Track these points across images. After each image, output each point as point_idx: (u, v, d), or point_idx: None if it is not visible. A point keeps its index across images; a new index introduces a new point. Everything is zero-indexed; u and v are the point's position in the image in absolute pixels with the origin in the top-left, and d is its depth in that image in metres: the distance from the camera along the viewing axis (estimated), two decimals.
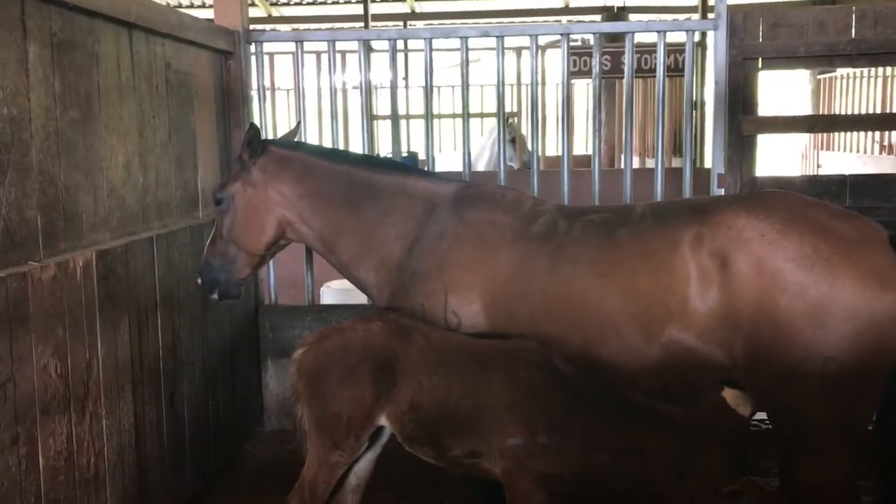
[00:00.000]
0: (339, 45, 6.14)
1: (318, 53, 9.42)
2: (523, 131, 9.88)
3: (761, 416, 3.51)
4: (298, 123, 4.36)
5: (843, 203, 5.27)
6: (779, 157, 13.15)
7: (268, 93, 9.54)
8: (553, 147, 11.13)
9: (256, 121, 5.13)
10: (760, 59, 5.15)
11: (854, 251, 2.76)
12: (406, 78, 10.93)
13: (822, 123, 6.10)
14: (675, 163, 8.56)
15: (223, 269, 3.67)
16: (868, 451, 3.00)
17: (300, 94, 5.32)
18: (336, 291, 5.98)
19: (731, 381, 3.00)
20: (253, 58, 5.18)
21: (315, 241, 3.65)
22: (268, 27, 12.56)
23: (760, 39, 5.14)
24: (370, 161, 3.88)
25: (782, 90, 13.33)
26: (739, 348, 2.85)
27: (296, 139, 4.08)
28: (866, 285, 2.70)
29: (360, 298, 5.57)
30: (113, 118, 3.63)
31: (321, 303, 5.98)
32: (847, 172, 5.44)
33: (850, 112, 10.28)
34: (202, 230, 4.34)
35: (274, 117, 9.52)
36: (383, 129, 9.29)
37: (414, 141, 10.86)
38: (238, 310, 5.11)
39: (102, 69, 3.55)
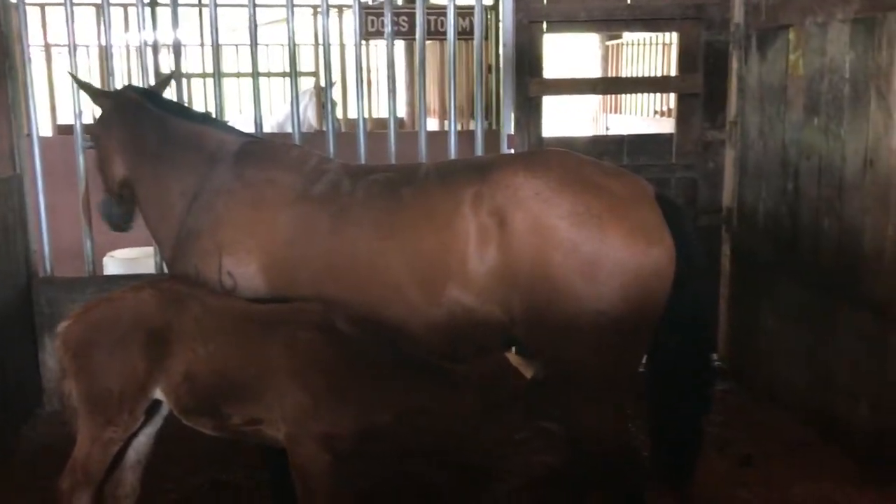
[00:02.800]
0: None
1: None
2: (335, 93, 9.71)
3: None
4: (171, 74, 4.32)
5: (621, 161, 5.61)
6: (573, 121, 13.79)
7: (41, 50, 8.86)
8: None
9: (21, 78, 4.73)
10: (545, 23, 5.33)
11: (623, 208, 2.86)
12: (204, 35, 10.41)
13: (602, 86, 6.43)
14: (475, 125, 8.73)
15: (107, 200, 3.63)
16: (637, 395, 3.21)
17: (72, 53, 4.88)
18: (121, 261, 5.64)
19: (511, 337, 3.10)
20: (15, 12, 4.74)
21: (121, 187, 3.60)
22: None
23: (545, 3, 5.32)
24: (178, 109, 3.71)
25: (575, 56, 13.94)
26: (517, 306, 2.91)
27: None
28: (634, 241, 2.80)
29: (149, 268, 5.31)
30: None
31: (104, 273, 5.60)
32: (625, 133, 5.77)
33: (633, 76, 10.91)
34: None
35: (49, 76, 8.82)
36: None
37: (211, 102, 10.39)
38: (5, 283, 4.71)
39: None
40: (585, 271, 2.80)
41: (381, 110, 10.52)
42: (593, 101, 12.33)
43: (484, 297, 2.93)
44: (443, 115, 10.30)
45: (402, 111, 10.88)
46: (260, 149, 3.37)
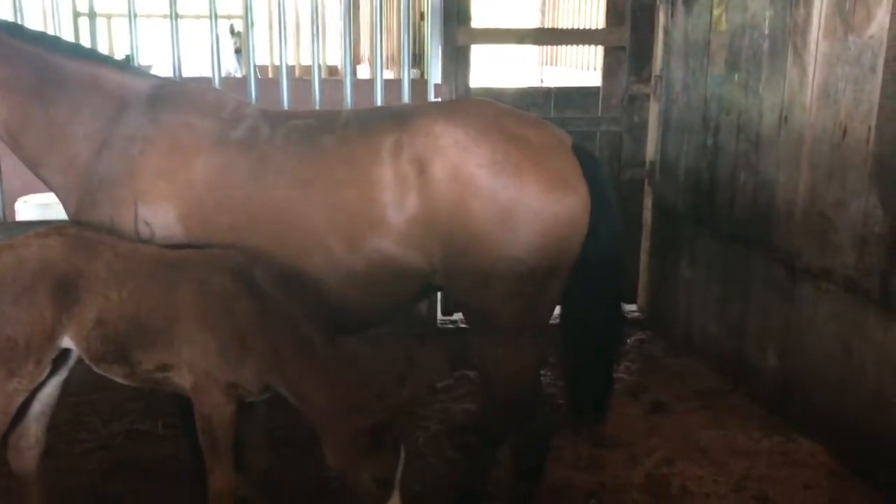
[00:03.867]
0: None
1: None
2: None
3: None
4: None
5: (549, 114, 5.62)
6: (512, 73, 13.71)
7: None
8: (294, 56, 10.75)
9: None
10: None
11: (541, 157, 2.87)
12: None
13: (531, 37, 6.39)
14: (414, 75, 8.61)
15: None
16: (551, 343, 3.27)
17: None
18: (35, 207, 5.45)
19: (429, 286, 3.12)
20: None
21: (2, 131, 3.19)
22: None
23: None
24: (64, 46, 3.36)
25: (513, 9, 13.82)
26: (437, 253, 2.92)
27: None
28: (550, 189, 2.83)
29: (63, 214, 5.14)
30: None
31: (17, 220, 5.40)
32: (553, 86, 5.77)
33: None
34: None
35: None
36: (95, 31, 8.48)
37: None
38: None
39: None
40: (503, 219, 2.81)
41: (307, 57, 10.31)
42: (533, 53, 12.28)
43: (404, 245, 2.92)
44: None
45: (336, 58, 10.68)
46: (175, 92, 3.24)
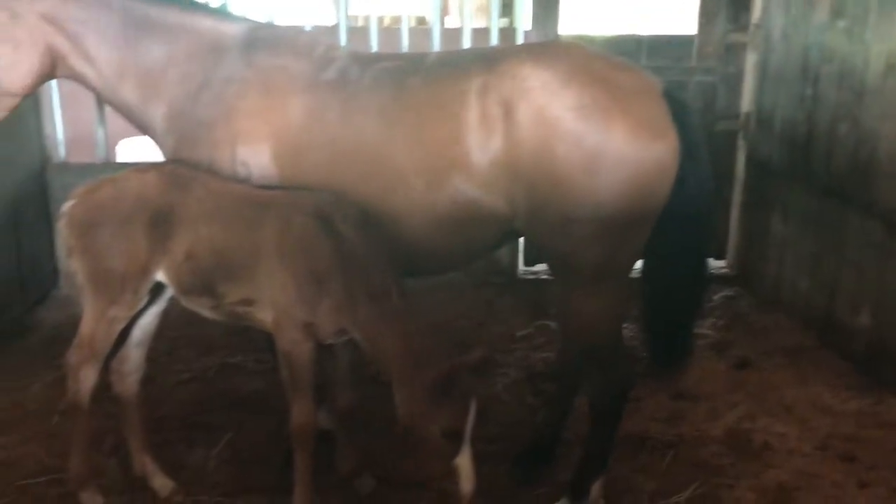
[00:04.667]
0: None
1: None
2: None
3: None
4: None
5: (640, 62, 5.48)
6: (603, 20, 13.31)
7: None
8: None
9: None
10: None
11: (629, 101, 2.79)
12: None
13: None
14: (504, 24, 8.52)
15: None
16: (633, 292, 3.23)
17: None
18: (136, 147, 5.66)
19: (510, 231, 3.12)
20: None
21: (95, 81, 3.28)
22: None
23: None
24: None
25: None
26: (520, 197, 2.90)
27: None
28: (638, 135, 2.75)
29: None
30: None
31: (118, 160, 5.64)
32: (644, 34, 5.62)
33: None
34: None
35: None
36: None
37: None
38: (19, 168, 4.77)
39: None
40: (588, 163, 2.76)
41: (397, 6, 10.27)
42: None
43: (487, 188, 2.91)
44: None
45: (424, 9, 10.64)
46: (269, 35, 3.30)
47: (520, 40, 5.24)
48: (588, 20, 12.33)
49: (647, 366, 3.52)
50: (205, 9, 3.44)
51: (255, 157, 3.08)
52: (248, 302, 2.87)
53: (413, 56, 3.35)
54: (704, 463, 3.52)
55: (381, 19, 9.30)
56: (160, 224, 2.86)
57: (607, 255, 2.95)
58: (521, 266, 5.62)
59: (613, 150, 2.75)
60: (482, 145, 2.87)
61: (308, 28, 5.00)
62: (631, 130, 2.75)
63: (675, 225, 2.94)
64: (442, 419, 2.51)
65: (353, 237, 2.79)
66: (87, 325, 2.99)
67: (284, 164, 3.08)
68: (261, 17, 4.97)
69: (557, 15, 5.27)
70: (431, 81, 2.99)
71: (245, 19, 3.46)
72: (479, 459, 2.77)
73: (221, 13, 3.48)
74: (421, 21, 10.15)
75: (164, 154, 3.33)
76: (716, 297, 5.27)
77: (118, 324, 2.99)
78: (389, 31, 6.15)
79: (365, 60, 3.19)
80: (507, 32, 5.46)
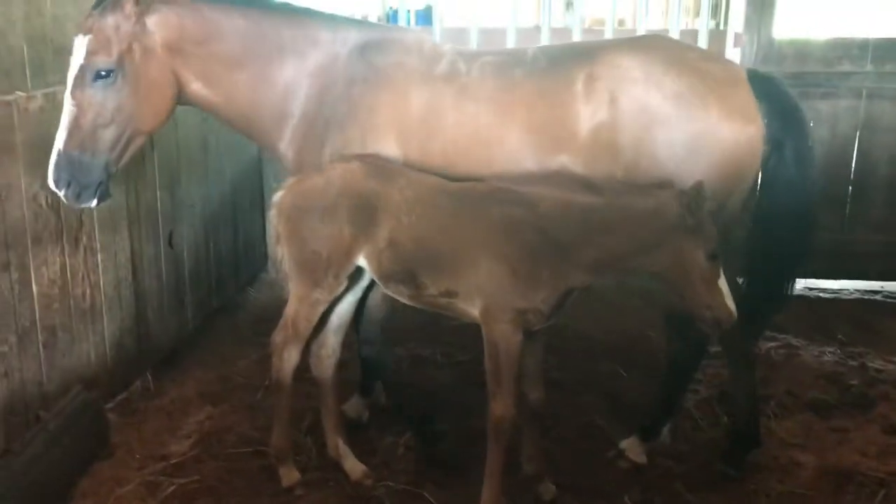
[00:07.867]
0: None
1: None
2: None
3: None
4: None
5: (864, 67, 5.07)
6: (827, 20, 12.37)
7: None
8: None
9: None
10: None
11: (722, 89, 3.11)
12: None
13: None
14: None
15: (98, 163, 3.09)
16: None
17: None
18: None
19: None
20: None
21: (216, 102, 3.33)
22: None
23: None
24: (272, 6, 3.46)
25: None
26: (620, 176, 3.09)
27: None
28: (732, 120, 3.08)
29: None
30: None
31: None
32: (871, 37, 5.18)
33: None
34: None
35: None
36: None
37: None
38: (238, 156, 5.14)
39: None
40: (688, 146, 3.06)
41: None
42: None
43: (591, 168, 3.10)
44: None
45: (624, 12, 10.46)
46: (380, 37, 3.46)
47: (729, 42, 5.02)
48: (806, 21, 11.56)
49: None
50: (318, 16, 3.48)
51: (383, 148, 3.26)
52: (451, 293, 2.94)
53: (512, 50, 3.74)
54: None
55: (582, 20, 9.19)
56: (363, 211, 2.99)
57: None
58: None
59: (711, 133, 3.07)
60: (588, 127, 3.12)
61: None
62: (726, 116, 3.08)
63: (780, 187, 3.22)
64: (707, 243, 2.71)
65: (555, 216, 2.89)
66: (291, 307, 3.17)
67: (409, 152, 3.28)
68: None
69: (773, 16, 4.97)
70: (537, 73, 3.24)
71: (352, 22, 3.58)
72: (666, 478, 2.67)
73: (332, 20, 3.50)
74: (621, 23, 9.95)
75: (286, 162, 3.44)
76: None
77: (320, 306, 3.14)
78: (589, 33, 6.09)
79: (468, 55, 3.44)
80: (717, 35, 5.24)
